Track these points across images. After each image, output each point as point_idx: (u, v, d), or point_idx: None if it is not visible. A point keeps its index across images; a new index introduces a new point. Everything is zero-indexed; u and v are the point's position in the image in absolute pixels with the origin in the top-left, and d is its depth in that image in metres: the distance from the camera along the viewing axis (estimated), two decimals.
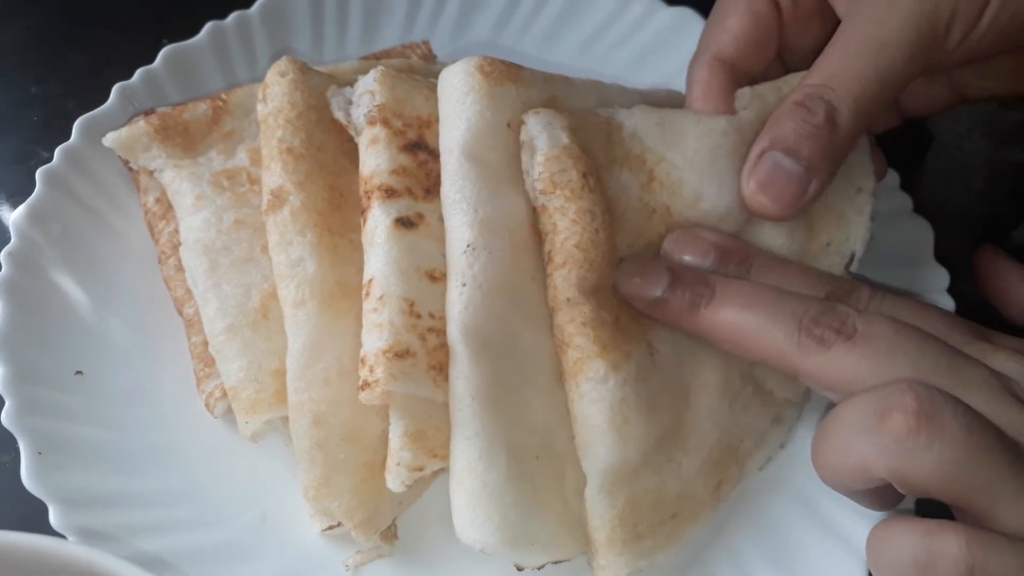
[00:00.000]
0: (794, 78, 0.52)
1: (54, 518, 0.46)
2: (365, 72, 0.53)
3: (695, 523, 0.48)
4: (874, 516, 0.48)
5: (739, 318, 0.45)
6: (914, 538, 0.37)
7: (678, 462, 0.47)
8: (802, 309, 0.43)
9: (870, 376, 0.41)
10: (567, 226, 0.46)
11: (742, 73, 0.54)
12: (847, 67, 0.48)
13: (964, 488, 0.37)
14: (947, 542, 0.36)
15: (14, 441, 0.48)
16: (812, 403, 0.53)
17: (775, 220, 0.49)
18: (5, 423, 0.48)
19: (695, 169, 0.50)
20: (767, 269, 0.48)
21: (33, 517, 0.46)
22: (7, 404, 0.49)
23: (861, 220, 0.53)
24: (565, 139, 0.47)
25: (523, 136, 0.48)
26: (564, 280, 0.45)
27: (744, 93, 0.52)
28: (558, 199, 0.46)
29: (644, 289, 0.47)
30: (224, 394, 0.51)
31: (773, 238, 0.51)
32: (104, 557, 0.32)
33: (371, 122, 0.50)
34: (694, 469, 0.48)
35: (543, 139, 0.47)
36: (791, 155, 0.47)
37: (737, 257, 0.49)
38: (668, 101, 0.55)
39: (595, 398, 0.44)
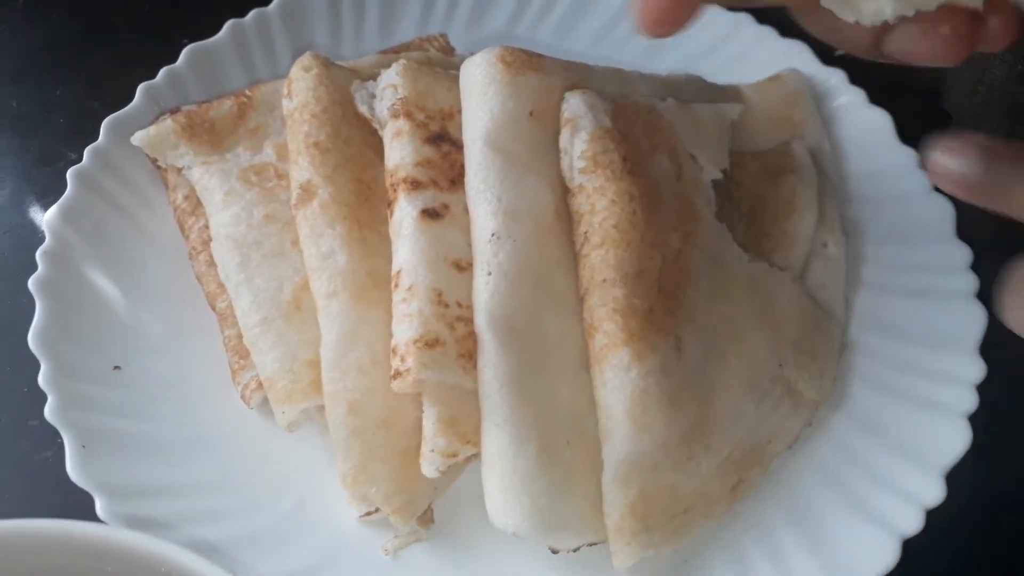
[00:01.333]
0: None
1: (101, 508, 0.47)
2: (386, 66, 0.53)
3: (707, 520, 0.47)
4: (906, 492, 0.48)
5: None
6: None
7: (697, 460, 0.47)
8: None
9: None
10: (606, 206, 0.46)
11: None
12: None
13: None
14: None
15: (55, 436, 0.49)
16: None
17: None
18: (49, 418, 0.49)
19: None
20: None
21: (76, 509, 0.47)
22: (50, 399, 0.50)
23: None
24: (608, 122, 0.48)
25: (565, 114, 0.48)
26: (602, 260, 0.46)
27: None
28: (599, 179, 0.47)
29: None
30: (260, 385, 0.51)
31: None
32: (159, 544, 0.32)
33: (394, 115, 0.51)
34: (712, 467, 0.47)
35: (588, 119, 0.47)
36: None
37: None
38: (688, 86, 0.55)
39: (617, 386, 0.44)
